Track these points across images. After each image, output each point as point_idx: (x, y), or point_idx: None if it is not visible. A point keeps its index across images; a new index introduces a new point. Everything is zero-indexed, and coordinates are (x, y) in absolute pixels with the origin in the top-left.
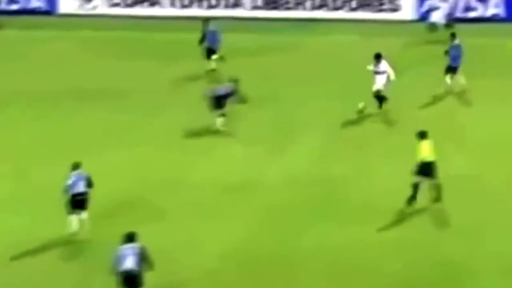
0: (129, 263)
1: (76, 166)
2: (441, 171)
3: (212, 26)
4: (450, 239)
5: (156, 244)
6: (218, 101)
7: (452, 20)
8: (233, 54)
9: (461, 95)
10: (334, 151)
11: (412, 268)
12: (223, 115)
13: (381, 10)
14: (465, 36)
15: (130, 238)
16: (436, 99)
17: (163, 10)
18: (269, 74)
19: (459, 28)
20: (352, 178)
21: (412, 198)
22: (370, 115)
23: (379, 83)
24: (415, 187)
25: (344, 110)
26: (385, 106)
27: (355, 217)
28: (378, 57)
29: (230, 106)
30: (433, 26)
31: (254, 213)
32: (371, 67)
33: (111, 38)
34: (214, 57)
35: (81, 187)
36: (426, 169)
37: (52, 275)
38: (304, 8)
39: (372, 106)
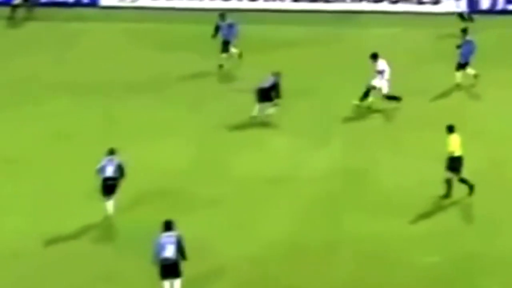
0: (169, 252)
1: (110, 152)
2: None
3: (229, 19)
4: (476, 233)
5: (200, 233)
6: (264, 94)
7: (471, 13)
8: (275, 46)
9: (476, 87)
10: (371, 143)
11: (447, 261)
12: (275, 105)
13: (422, 3)
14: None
15: (168, 226)
16: (469, 91)
17: (203, 3)
18: (310, 66)
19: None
20: (385, 171)
21: (447, 194)
22: (407, 108)
23: (378, 82)
24: (448, 183)
25: (385, 102)
26: (390, 103)
27: (389, 208)
28: (374, 57)
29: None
30: (462, 16)
31: (296, 204)
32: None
33: (153, 30)
34: (231, 50)
35: (109, 172)
36: (454, 164)
37: (86, 260)
38: (345, 0)
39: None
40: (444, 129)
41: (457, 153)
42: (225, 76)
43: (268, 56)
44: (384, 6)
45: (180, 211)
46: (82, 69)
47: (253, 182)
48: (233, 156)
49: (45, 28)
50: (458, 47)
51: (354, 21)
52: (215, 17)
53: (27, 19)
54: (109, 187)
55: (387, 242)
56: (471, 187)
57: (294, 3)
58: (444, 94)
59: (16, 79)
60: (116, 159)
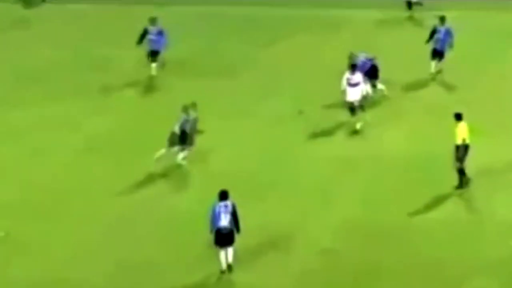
0: (224, 221)
1: (185, 108)
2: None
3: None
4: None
5: (272, 218)
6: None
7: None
8: None
9: None
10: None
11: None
12: (373, 86)
13: None
14: None
15: (224, 195)
16: None
17: None
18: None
19: None
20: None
21: (462, 183)
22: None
23: (352, 95)
24: (460, 172)
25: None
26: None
27: (446, 195)
28: (353, 67)
29: None
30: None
31: (369, 185)
32: (344, 80)
33: (229, 14)
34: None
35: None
36: (459, 152)
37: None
38: None
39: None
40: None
41: (465, 141)
42: (293, 59)
43: None
44: None
45: (250, 195)
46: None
47: (324, 165)
48: (302, 141)
49: None
50: (431, 35)
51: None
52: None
53: None
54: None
55: (443, 226)
56: (466, 181)
57: None
58: None
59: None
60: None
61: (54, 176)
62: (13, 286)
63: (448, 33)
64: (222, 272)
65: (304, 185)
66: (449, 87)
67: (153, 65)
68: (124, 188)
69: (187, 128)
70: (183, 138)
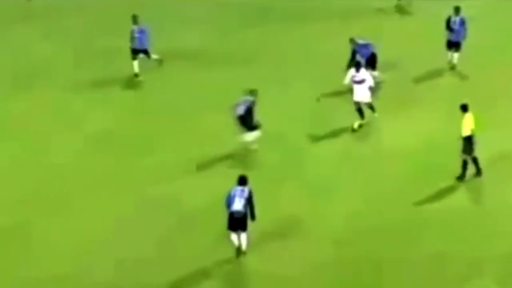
0: (238, 205)
1: (251, 91)
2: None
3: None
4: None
5: (287, 206)
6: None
7: None
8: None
9: None
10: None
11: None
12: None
13: None
14: None
15: (242, 180)
16: None
17: None
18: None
19: None
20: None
21: (463, 175)
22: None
23: (359, 94)
24: (465, 164)
25: None
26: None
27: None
28: (358, 65)
29: None
30: None
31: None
32: (347, 79)
33: (242, 3)
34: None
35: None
36: (467, 144)
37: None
38: None
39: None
40: None
41: (471, 132)
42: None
43: None
44: None
45: (262, 186)
46: (168, 40)
47: (337, 159)
48: (312, 134)
49: None
50: (447, 26)
51: None
52: None
53: None
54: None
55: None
56: (478, 172)
57: None
58: None
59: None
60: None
61: (56, 172)
62: (17, 282)
63: (463, 23)
64: (238, 249)
65: (311, 176)
66: (462, 78)
67: (135, 63)
68: (129, 183)
69: (254, 110)
70: (250, 120)
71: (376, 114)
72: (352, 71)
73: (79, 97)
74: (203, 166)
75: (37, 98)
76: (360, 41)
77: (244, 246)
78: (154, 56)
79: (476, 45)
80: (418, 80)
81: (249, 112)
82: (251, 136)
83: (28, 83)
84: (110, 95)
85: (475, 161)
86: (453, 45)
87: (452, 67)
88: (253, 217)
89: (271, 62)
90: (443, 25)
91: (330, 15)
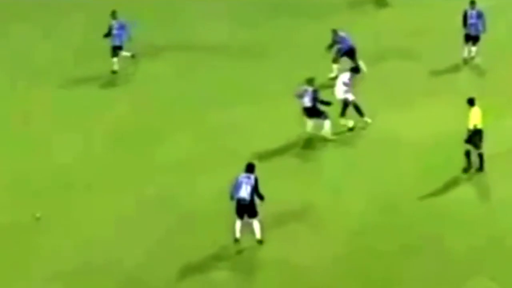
0: (243, 192)
1: (309, 81)
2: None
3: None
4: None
5: (305, 196)
6: None
7: None
8: None
9: None
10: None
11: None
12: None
13: None
14: None
15: (250, 168)
16: None
17: None
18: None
19: None
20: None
21: (468, 168)
22: None
23: (341, 90)
24: (468, 155)
25: None
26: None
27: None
28: (354, 70)
29: None
30: None
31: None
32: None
33: None
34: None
35: None
36: (474, 137)
37: None
38: None
39: None
40: None
41: (478, 126)
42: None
43: None
44: None
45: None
46: (183, 34)
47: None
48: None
49: None
50: (464, 20)
51: None
52: None
53: None
54: None
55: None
56: (481, 166)
57: None
58: None
59: None
60: None
61: (56, 172)
62: (17, 281)
63: (480, 16)
64: (236, 240)
65: (326, 167)
66: (479, 72)
67: (115, 59)
68: (130, 183)
69: (318, 99)
70: (318, 110)
71: (342, 121)
72: (346, 76)
73: (79, 96)
74: (203, 166)
75: (37, 97)
76: (341, 33)
77: (257, 234)
78: (124, 53)
79: (493, 39)
80: (434, 73)
81: (315, 102)
82: (327, 126)
83: (28, 83)
84: (110, 95)
85: (480, 156)
86: (471, 39)
87: (468, 61)
88: (261, 198)
89: (284, 56)
90: (460, 19)
91: (347, 9)
